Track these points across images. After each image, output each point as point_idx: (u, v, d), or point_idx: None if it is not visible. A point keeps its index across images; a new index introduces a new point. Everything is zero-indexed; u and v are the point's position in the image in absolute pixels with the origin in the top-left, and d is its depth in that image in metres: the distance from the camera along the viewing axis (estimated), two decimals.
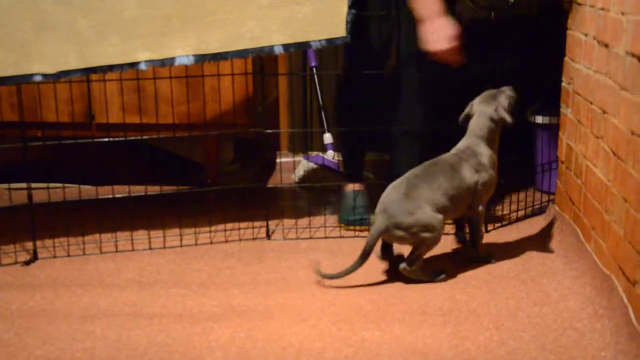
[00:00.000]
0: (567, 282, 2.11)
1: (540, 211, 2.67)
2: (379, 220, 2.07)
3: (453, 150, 2.21)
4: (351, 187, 2.61)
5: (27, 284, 2.17)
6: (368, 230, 2.47)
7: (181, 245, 2.45)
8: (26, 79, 2.19)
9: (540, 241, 2.43)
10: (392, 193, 2.10)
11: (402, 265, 2.10)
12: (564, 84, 2.55)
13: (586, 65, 2.25)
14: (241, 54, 2.26)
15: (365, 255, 2.06)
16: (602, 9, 2.07)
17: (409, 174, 2.14)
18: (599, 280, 1.98)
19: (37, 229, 2.38)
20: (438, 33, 2.22)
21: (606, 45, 2.03)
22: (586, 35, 2.25)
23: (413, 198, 2.06)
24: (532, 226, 2.56)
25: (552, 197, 2.70)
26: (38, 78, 2.19)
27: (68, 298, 2.07)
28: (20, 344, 1.82)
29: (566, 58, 2.52)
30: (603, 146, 2.05)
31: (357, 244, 2.43)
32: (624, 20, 1.87)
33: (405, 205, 2.06)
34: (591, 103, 2.18)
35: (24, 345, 1.82)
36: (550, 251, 2.34)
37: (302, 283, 2.14)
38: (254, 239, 2.51)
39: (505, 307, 1.97)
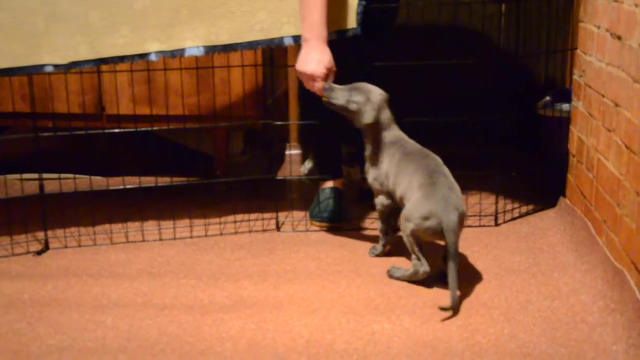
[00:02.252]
0: (579, 276, 2.10)
1: (551, 205, 2.66)
2: (451, 218, 1.93)
3: (403, 144, 2.12)
4: (329, 184, 2.59)
5: (39, 273, 2.18)
6: (329, 225, 2.48)
7: (191, 237, 2.46)
8: (37, 69, 2.19)
9: (551, 235, 2.42)
10: (442, 188, 1.98)
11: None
12: (575, 77, 2.53)
13: (598, 58, 2.23)
14: (251, 45, 2.26)
15: (457, 256, 1.92)
16: (616, 0, 2.06)
17: (436, 167, 2.04)
18: (611, 274, 1.98)
19: (48, 219, 2.39)
20: (308, 57, 2.10)
21: (619, 38, 2.02)
22: (599, 27, 2.24)
23: (455, 188, 2.01)
24: (542, 220, 2.56)
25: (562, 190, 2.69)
26: (49, 69, 2.20)
27: (79, 288, 2.08)
28: (33, 334, 1.83)
29: (578, 50, 2.51)
30: (615, 139, 2.04)
31: (363, 236, 2.43)
32: (638, 12, 1.86)
33: (458, 194, 2.00)
34: (603, 96, 2.17)
35: (36, 334, 1.83)
36: (561, 245, 2.33)
37: (312, 275, 2.14)
38: (263, 230, 2.51)
39: (515, 300, 1.97)
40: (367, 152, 2.17)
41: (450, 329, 1.82)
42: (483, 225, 2.50)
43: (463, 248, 2.30)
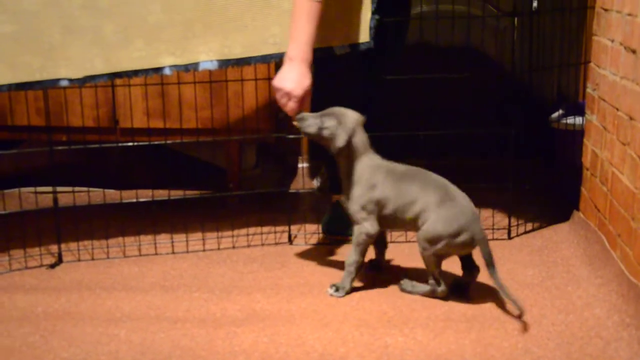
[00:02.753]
0: (593, 290, 2.09)
1: (564, 218, 2.64)
2: (480, 228, 1.98)
3: (389, 167, 2.07)
4: (337, 197, 2.58)
5: (52, 286, 2.19)
6: (342, 238, 2.46)
7: (204, 250, 2.46)
8: (53, 83, 2.21)
9: (565, 248, 2.41)
10: (462, 200, 2.00)
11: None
12: (589, 90, 2.53)
13: (612, 72, 2.23)
14: (265, 59, 2.27)
15: (493, 262, 1.96)
16: (630, 14, 2.05)
17: (443, 182, 2.03)
18: (626, 289, 1.96)
19: (62, 233, 2.40)
20: (289, 75, 2.07)
21: (634, 51, 2.01)
22: (612, 41, 2.23)
23: (468, 198, 2.04)
24: (556, 233, 2.54)
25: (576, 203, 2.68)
26: (64, 83, 2.21)
27: (92, 301, 2.09)
28: (46, 347, 1.84)
29: (591, 64, 2.50)
30: (630, 153, 2.03)
31: None
32: None
33: (472, 203, 2.03)
34: (617, 109, 2.16)
35: (49, 347, 1.83)
36: (574, 259, 2.32)
37: (325, 288, 2.14)
38: (276, 243, 2.51)
39: (529, 314, 1.96)
40: (346, 181, 2.08)
41: (464, 343, 1.81)
42: (496, 239, 2.49)
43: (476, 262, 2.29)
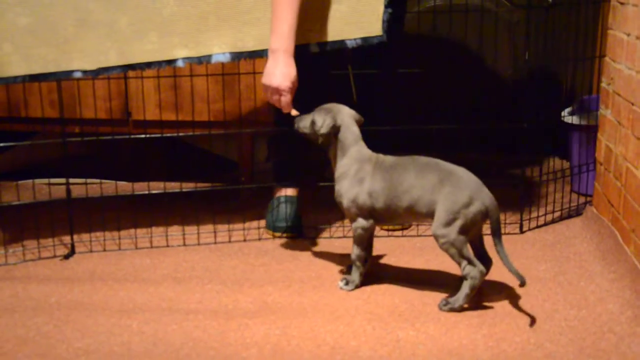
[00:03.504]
0: (606, 285, 2.08)
1: (577, 213, 2.63)
2: (488, 194, 1.92)
3: (379, 159, 2.04)
4: (283, 192, 2.56)
5: (66, 277, 2.20)
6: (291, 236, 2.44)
7: (215, 242, 2.47)
8: (66, 75, 2.22)
9: (577, 243, 2.40)
10: (461, 172, 1.95)
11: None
12: (603, 85, 2.51)
13: (628, 66, 2.21)
14: None
15: (500, 232, 1.92)
16: None
17: (435, 161, 1.99)
18: (639, 284, 1.95)
19: (74, 224, 2.41)
20: (275, 69, 2.07)
21: None
22: (628, 35, 2.22)
23: (464, 169, 1.99)
24: (568, 228, 2.53)
25: (589, 198, 2.67)
26: (78, 74, 2.22)
27: (105, 292, 2.10)
28: (60, 336, 1.85)
29: (606, 58, 2.49)
30: None
31: (388, 243, 2.42)
32: None
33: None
34: (633, 104, 2.15)
35: (63, 337, 1.85)
36: (587, 254, 2.31)
37: (337, 281, 2.14)
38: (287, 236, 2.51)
39: (541, 309, 1.95)
40: (337, 173, 2.07)
41: (476, 337, 1.81)
42: (508, 233, 2.48)
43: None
